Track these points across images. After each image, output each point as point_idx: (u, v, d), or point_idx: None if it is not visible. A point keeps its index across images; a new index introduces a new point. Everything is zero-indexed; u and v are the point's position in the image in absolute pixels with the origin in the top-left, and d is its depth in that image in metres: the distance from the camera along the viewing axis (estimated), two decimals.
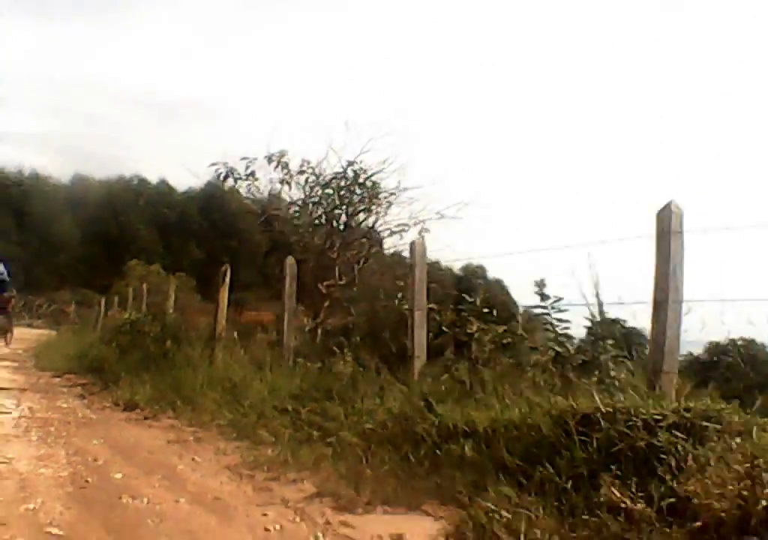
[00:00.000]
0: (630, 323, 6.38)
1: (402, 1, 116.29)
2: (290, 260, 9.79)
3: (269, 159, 12.41)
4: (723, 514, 3.13)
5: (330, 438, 5.61)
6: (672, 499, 3.38)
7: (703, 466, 3.40)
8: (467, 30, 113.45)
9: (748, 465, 3.20)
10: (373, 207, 12.73)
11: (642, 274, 5.20)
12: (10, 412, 7.84)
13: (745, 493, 3.09)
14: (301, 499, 4.43)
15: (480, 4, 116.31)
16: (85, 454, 5.76)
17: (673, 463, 3.53)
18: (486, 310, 7.42)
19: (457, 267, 47.57)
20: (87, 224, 61.45)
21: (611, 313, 6.02)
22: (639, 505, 3.36)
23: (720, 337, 7.99)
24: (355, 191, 12.53)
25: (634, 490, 3.50)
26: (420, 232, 12.92)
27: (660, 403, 4.19)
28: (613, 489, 3.48)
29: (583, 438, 4.04)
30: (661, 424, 3.89)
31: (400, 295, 8.35)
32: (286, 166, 12.45)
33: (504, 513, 3.62)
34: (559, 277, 5.99)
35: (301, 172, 12.62)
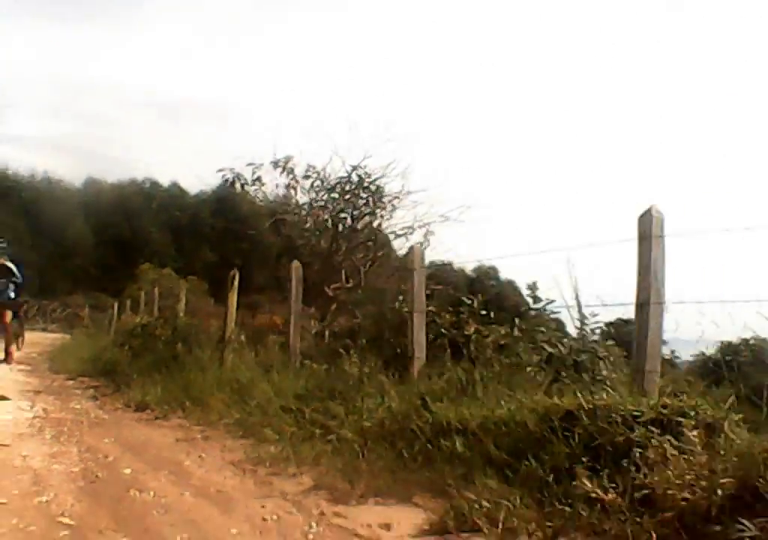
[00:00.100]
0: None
1: (402, 2, 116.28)
2: (296, 264, 10.02)
3: (275, 164, 12.68)
4: (684, 504, 3.35)
5: (331, 435, 5.84)
6: (646, 491, 3.60)
7: (668, 459, 3.61)
8: (469, 31, 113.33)
9: (708, 456, 3.42)
10: (378, 210, 12.96)
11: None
12: (25, 413, 8.10)
13: (703, 483, 3.31)
14: (299, 492, 4.68)
15: (481, 5, 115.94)
16: (96, 451, 6.01)
17: (651, 457, 3.73)
18: (483, 312, 7.68)
19: (469, 268, 47.92)
20: (100, 228, 61.61)
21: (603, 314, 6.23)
22: (610, 495, 3.58)
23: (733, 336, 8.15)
24: (360, 195, 12.77)
25: (608, 482, 3.72)
26: (425, 235, 13.17)
27: (639, 400, 4.42)
28: (585, 480, 3.69)
29: (566, 433, 4.27)
30: (639, 419, 4.12)
31: (401, 298, 8.55)
32: (291, 171, 12.71)
33: (484, 503, 3.87)
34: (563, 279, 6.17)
35: (307, 177, 12.88)
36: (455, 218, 12.79)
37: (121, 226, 62.80)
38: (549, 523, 3.65)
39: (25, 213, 55.80)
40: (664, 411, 4.17)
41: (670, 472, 3.45)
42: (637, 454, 3.80)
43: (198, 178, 62.15)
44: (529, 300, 6.88)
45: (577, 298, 5.79)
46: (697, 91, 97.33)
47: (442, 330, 7.64)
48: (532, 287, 6.38)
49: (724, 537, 3.16)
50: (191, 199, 67.63)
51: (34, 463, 5.46)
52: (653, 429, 3.99)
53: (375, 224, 13.33)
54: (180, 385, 9.08)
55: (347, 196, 12.76)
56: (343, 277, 12.94)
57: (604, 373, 6.11)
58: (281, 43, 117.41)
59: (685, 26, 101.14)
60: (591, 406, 4.33)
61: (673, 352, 10.12)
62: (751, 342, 9.74)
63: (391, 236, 13.54)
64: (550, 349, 6.33)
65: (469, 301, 7.78)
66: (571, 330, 6.78)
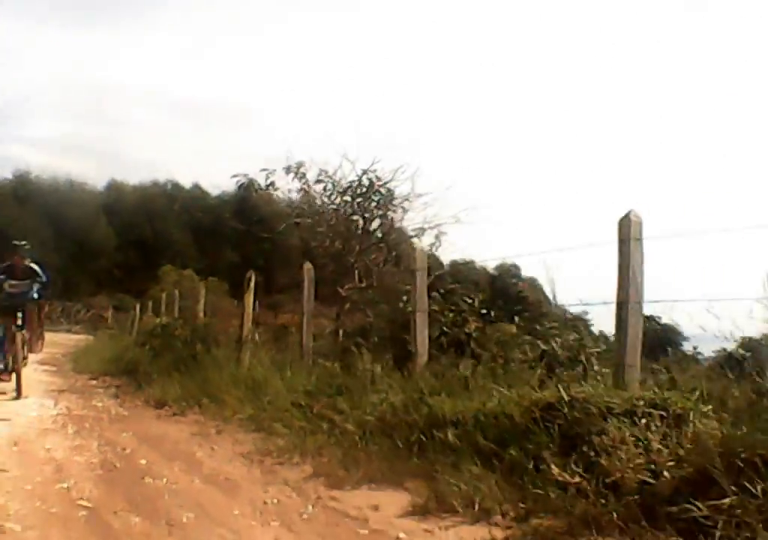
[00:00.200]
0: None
1: (411, 6, 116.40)
2: (307, 266, 10.34)
3: (287, 170, 13.03)
4: (647, 487, 3.68)
5: (336, 429, 6.20)
6: (614, 477, 3.91)
7: (622, 445, 3.93)
8: (469, 32, 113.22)
9: (661, 444, 3.75)
10: (389, 213, 13.28)
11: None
12: (49, 411, 8.52)
13: (652, 466, 3.64)
14: (300, 479, 5.06)
15: (485, 8, 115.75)
16: (115, 444, 6.43)
17: (609, 444, 4.05)
18: (484, 311, 8.00)
19: (491, 266, 48.10)
20: (122, 229, 61.95)
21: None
22: (576, 479, 3.90)
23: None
24: (371, 198, 13.08)
25: (577, 467, 4.04)
26: (437, 236, 13.48)
27: (615, 392, 4.74)
28: (554, 466, 4.02)
29: (547, 424, 4.59)
30: (613, 411, 4.43)
31: (404, 298, 8.83)
32: (303, 176, 13.04)
33: (463, 486, 4.22)
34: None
35: (319, 182, 13.20)
36: (465, 219, 13.07)
37: (144, 227, 63.17)
38: (522, 505, 4.00)
39: (49, 216, 56.27)
40: (638, 403, 4.48)
41: (622, 457, 3.78)
42: (596, 441, 4.11)
43: (214, 185, 62.29)
44: (550, 297, 7.16)
45: (554, 297, 6.07)
46: (695, 91, 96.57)
47: (444, 328, 7.93)
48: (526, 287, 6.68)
49: (677, 517, 3.47)
50: (213, 200, 67.69)
51: (56, 454, 5.89)
52: (625, 419, 4.30)
53: (386, 226, 13.62)
54: (198, 383, 9.46)
55: (359, 200, 13.08)
56: (356, 277, 13.23)
57: (596, 368, 6.41)
58: (283, 44, 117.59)
59: (676, 29, 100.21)
60: (569, 399, 4.65)
61: (695, 348, 10.30)
62: None
63: (404, 237, 13.85)
64: (543, 347, 6.64)
65: (470, 301, 8.09)
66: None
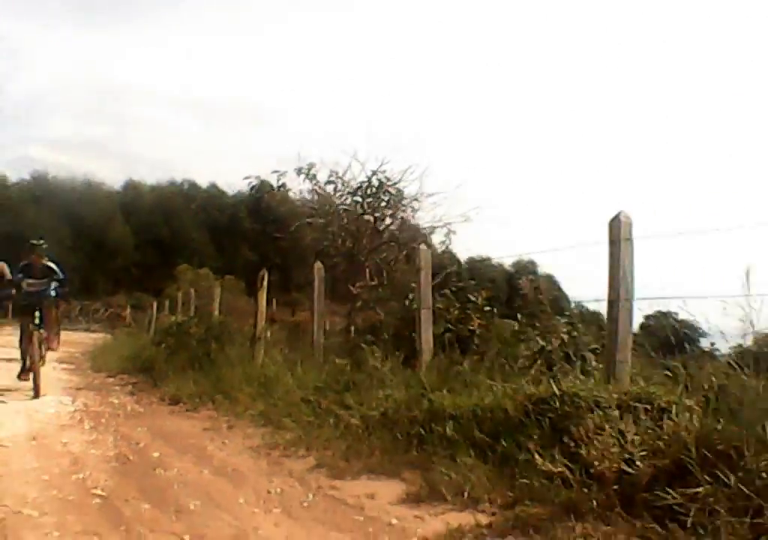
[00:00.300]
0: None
1: (419, 6, 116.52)
2: (318, 265, 10.58)
3: (299, 171, 13.26)
4: (626, 477, 3.89)
5: (341, 423, 6.43)
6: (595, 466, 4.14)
7: (597, 436, 4.15)
8: (471, 33, 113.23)
9: (633, 434, 3.98)
10: (399, 212, 13.50)
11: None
12: (67, 407, 8.80)
13: (626, 455, 3.87)
14: (303, 470, 5.33)
15: (491, 10, 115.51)
16: (130, 439, 6.71)
17: (586, 435, 4.28)
18: (487, 308, 8.21)
19: (508, 263, 48.23)
20: (140, 229, 62.38)
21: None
22: (559, 468, 4.13)
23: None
24: (381, 198, 13.30)
25: (563, 457, 4.26)
26: (446, 234, 13.71)
27: (604, 387, 4.96)
28: (537, 456, 4.26)
29: (538, 417, 4.82)
30: (601, 405, 4.65)
31: (410, 295, 9.02)
32: (314, 177, 13.28)
33: (455, 476, 4.47)
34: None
35: (329, 182, 13.44)
36: (474, 218, 13.29)
37: (161, 226, 63.59)
38: (510, 494, 4.24)
39: (66, 216, 56.74)
40: (625, 397, 4.69)
41: (598, 447, 4.00)
42: (574, 432, 4.34)
43: (229, 184, 62.74)
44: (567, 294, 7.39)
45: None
46: (695, 91, 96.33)
47: (449, 325, 8.14)
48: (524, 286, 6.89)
49: (652, 505, 3.69)
50: (229, 199, 68.18)
51: (73, 448, 6.17)
52: (610, 413, 4.51)
53: (398, 224, 13.85)
54: (211, 380, 9.74)
55: (369, 200, 13.31)
56: (368, 275, 13.45)
57: (594, 363, 6.61)
58: (294, 45, 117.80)
59: (676, 29, 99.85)
60: (560, 393, 4.87)
61: (713, 344, 10.41)
62: None
63: (415, 236, 14.07)
64: (541, 343, 6.86)
65: (474, 298, 8.28)
66: None
